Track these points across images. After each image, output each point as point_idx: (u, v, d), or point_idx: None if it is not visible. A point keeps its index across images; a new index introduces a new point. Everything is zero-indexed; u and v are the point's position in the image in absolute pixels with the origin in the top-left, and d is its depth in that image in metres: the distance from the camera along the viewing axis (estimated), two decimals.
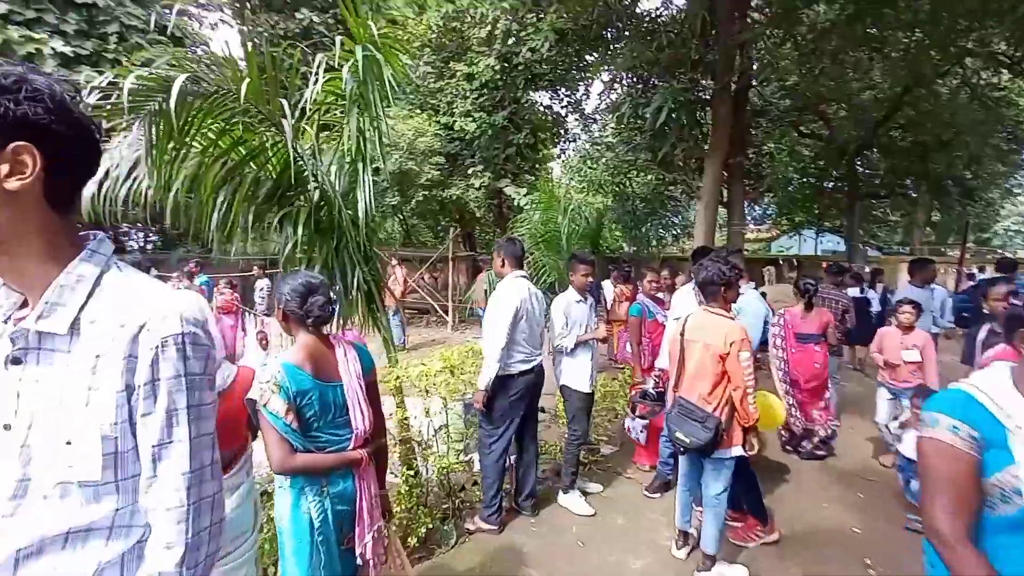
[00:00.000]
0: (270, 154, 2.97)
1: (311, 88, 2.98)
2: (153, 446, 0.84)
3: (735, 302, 2.92)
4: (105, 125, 2.38)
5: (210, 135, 2.71)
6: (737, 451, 2.68)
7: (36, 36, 9.90)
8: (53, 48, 10.06)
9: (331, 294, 1.81)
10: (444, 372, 3.38)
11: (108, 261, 0.89)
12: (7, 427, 0.82)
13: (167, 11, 11.67)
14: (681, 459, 3.03)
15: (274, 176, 3.01)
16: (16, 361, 0.83)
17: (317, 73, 2.96)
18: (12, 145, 0.76)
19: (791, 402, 4.19)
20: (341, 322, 3.32)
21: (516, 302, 3.11)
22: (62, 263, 0.84)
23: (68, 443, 0.80)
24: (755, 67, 7.66)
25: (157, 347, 0.83)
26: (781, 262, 13.73)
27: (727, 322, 2.70)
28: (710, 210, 8.08)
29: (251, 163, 2.96)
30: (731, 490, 2.79)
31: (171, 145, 2.42)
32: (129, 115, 2.15)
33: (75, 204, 0.89)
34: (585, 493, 3.67)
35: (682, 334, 2.85)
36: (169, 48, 8.79)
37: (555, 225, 5.88)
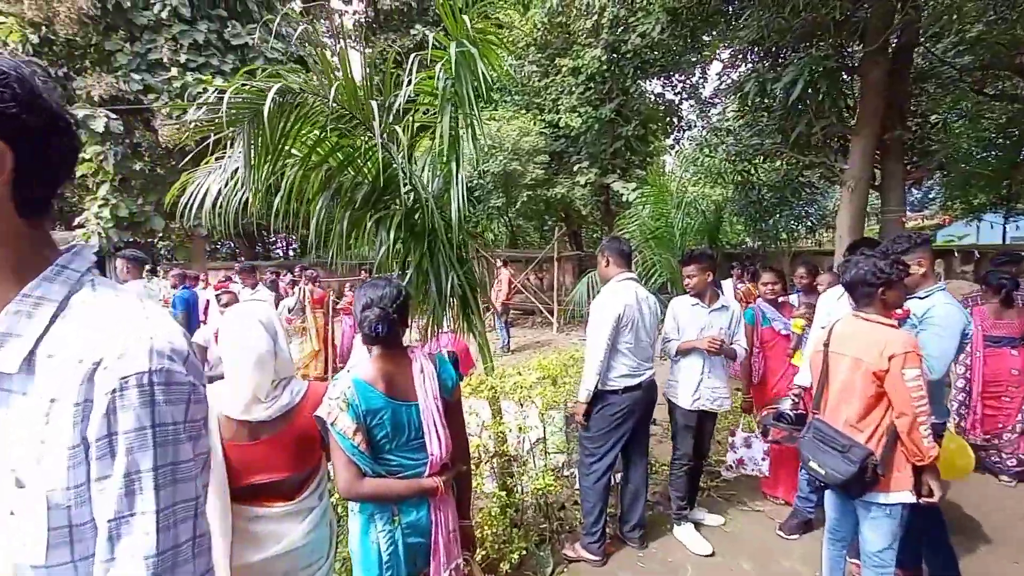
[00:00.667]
0: (365, 158, 2.97)
1: (404, 88, 2.92)
2: (109, 520, 0.65)
3: (899, 307, 2.27)
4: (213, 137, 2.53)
5: (308, 143, 2.76)
6: (903, 497, 2.06)
7: (204, 78, 11.62)
8: (216, 87, 11.71)
9: (390, 309, 1.63)
10: (542, 382, 3.13)
11: (81, 278, 0.72)
12: None
13: (299, 44, 13.02)
14: (827, 497, 2.43)
15: (369, 180, 3.00)
16: None
17: (410, 73, 2.90)
18: None
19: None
20: (434, 327, 3.24)
21: (619, 308, 2.76)
22: (26, 282, 0.68)
23: (11, 513, 0.65)
24: (923, 18, 6.30)
25: (114, 391, 0.65)
26: (956, 253, 11.38)
27: (887, 331, 2.09)
28: (859, 195, 6.84)
29: (348, 168, 2.98)
30: (904, 544, 2.16)
31: (269, 154, 2.48)
32: (229, 127, 2.22)
33: (48, 210, 0.73)
34: (702, 526, 3.18)
35: (826, 345, 2.29)
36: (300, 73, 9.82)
37: (667, 220, 5.35)
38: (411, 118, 3.26)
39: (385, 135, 2.86)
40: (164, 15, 11.17)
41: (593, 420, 2.84)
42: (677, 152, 15.92)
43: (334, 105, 2.42)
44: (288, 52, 12.79)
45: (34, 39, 10.92)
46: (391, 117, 2.96)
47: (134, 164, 12.14)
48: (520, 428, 2.92)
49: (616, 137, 11.75)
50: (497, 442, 2.95)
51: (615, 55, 10.88)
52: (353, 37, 17.21)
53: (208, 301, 6.76)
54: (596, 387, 2.75)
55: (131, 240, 12.49)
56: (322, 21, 17.36)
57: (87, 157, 11.47)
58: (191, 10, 11.43)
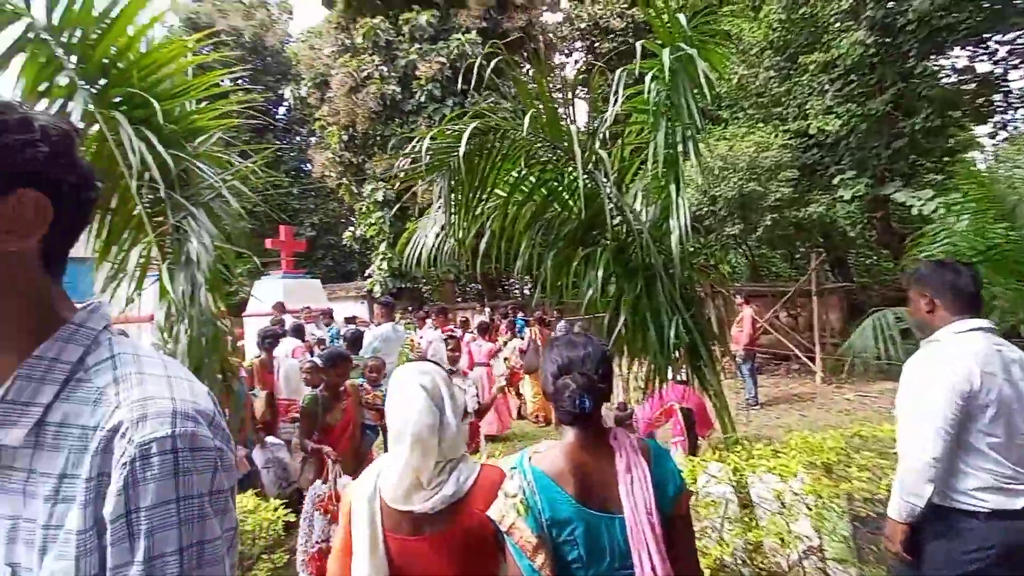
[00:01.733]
0: (569, 191, 2.67)
1: (611, 107, 2.56)
2: None
3: None
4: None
5: (510, 181, 2.61)
6: None
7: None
8: (418, 134, 13.71)
9: (595, 376, 1.19)
10: (811, 470, 2.23)
11: (98, 337, 0.66)
12: None
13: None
14: None
15: (575, 215, 2.69)
16: None
17: (616, 90, 2.53)
18: (12, 196, 0.59)
19: None
20: (655, 380, 2.67)
21: (967, 377, 1.67)
22: (34, 343, 0.62)
23: None
24: None
25: (133, 460, 0.57)
26: None
27: None
28: None
29: (553, 204, 2.73)
30: None
31: (471, 197, 2.38)
32: (429, 175, 2.19)
33: (65, 268, 0.68)
34: None
35: None
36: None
37: (1010, 234, 3.62)
38: (621, 142, 2.88)
39: (590, 163, 2.51)
40: (423, 99, 13.57)
41: (927, 557, 1.75)
42: (1010, 139, 11.50)
43: (530, 137, 2.20)
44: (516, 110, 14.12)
45: (344, 136, 14.52)
46: (596, 142, 2.61)
47: (403, 223, 14.85)
48: (782, 540, 2.06)
49: (894, 135, 9.21)
50: (748, 552, 2.16)
51: (885, 33, 8.64)
52: (569, 84, 18.10)
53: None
54: (930, 501, 1.72)
55: (402, 286, 15.16)
56: (551, 78, 18.74)
57: (372, 221, 14.49)
58: (440, 91, 13.61)
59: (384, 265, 14.66)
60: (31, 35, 2.11)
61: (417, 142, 2.13)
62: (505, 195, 2.64)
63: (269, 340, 4.50)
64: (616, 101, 2.54)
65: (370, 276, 15.18)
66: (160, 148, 2.12)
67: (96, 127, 2.17)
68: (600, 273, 2.46)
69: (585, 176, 2.32)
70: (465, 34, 13.96)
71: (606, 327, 2.67)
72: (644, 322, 2.54)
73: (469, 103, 14.05)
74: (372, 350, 4.88)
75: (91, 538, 0.57)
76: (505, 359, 7.30)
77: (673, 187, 2.46)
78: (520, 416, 7.47)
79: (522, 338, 7.61)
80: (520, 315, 11.45)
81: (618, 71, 2.50)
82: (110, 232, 2.31)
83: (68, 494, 0.58)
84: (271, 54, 21.19)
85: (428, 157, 2.07)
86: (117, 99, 2.24)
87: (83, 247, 2.32)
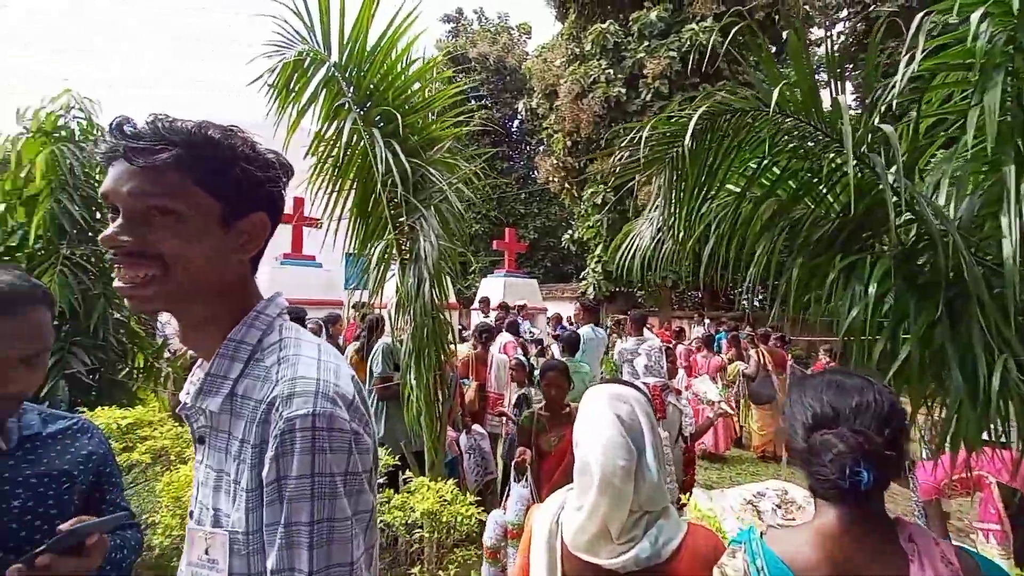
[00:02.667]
0: (829, 182, 2.09)
1: (900, 73, 1.93)
2: (272, 572, 0.63)
3: None
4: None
5: (746, 173, 2.17)
6: None
7: None
8: (633, 125, 12.78)
9: (878, 439, 0.80)
10: None
11: (272, 323, 0.76)
12: (190, 515, 0.75)
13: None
14: None
15: (835, 212, 2.10)
16: (200, 440, 0.75)
17: (912, 45, 1.89)
18: (253, 215, 0.74)
19: None
20: (960, 439, 1.93)
21: None
22: (231, 328, 0.74)
23: (206, 552, 0.68)
24: None
25: (282, 433, 0.64)
26: None
27: None
28: None
29: (804, 199, 2.18)
30: None
31: (695, 193, 2.04)
32: (647, 168, 1.95)
33: (258, 264, 0.81)
34: None
35: None
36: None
37: None
38: (917, 113, 2.15)
39: (864, 144, 1.93)
40: (648, 98, 13.10)
41: None
42: None
43: (777, 117, 1.76)
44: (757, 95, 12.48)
45: (568, 142, 15.07)
46: (875, 117, 1.99)
47: (620, 226, 14.65)
48: None
49: None
50: None
51: None
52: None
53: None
54: None
55: (615, 290, 15.01)
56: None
57: (590, 224, 14.68)
58: (668, 86, 12.91)
59: (598, 268, 14.73)
60: (329, 73, 2.61)
61: (636, 132, 1.91)
62: (738, 191, 2.22)
63: (485, 334, 4.77)
64: (912, 60, 1.88)
65: (584, 278, 15.45)
66: (403, 157, 2.39)
67: (354, 139, 2.56)
68: (873, 288, 1.84)
69: (856, 162, 1.76)
70: (699, 23, 12.99)
71: (873, 357, 2.01)
72: (943, 357, 1.82)
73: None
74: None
75: (256, 496, 0.65)
76: (726, 384, 6.46)
77: (1010, 170, 1.69)
78: (739, 443, 6.50)
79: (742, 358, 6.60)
80: (723, 328, 9.97)
81: (919, 16, 1.84)
82: (365, 232, 2.72)
83: (244, 456, 0.67)
84: (510, 72, 23.43)
85: (647, 149, 1.84)
86: (376, 117, 2.63)
87: (347, 241, 2.78)
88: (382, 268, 2.62)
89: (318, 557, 0.62)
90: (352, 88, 2.64)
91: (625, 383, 1.19)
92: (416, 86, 2.72)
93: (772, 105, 1.66)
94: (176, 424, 3.03)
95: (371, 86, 2.63)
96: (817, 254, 2.16)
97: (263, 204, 0.75)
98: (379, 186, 2.44)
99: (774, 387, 5.98)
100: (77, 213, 2.99)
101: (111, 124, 0.69)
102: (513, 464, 2.61)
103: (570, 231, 16.81)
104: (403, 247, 2.58)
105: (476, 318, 9.17)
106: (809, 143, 2.03)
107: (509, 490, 2.63)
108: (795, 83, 1.82)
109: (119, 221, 0.67)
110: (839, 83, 2.08)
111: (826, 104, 1.85)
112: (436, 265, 2.41)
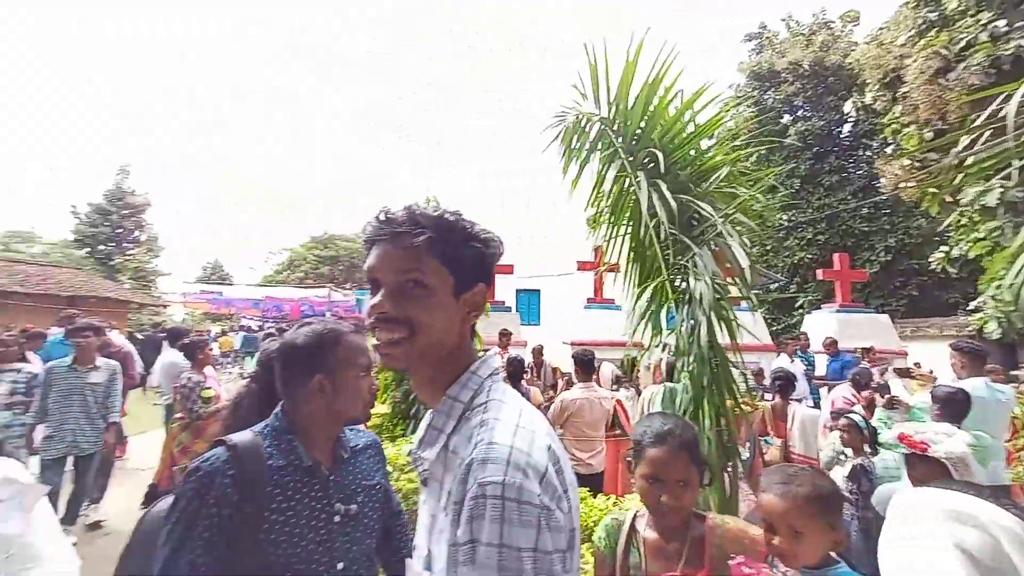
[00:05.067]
0: None
1: None
2: None
3: None
4: None
5: None
6: None
7: None
8: None
9: None
10: None
11: (483, 383, 0.82)
12: (412, 550, 0.83)
13: None
14: None
15: None
16: (424, 483, 0.82)
17: None
18: (477, 287, 0.84)
19: None
20: None
21: None
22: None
23: None
24: None
25: (476, 497, 0.66)
26: None
27: None
28: None
29: None
30: None
31: None
32: None
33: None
34: None
35: None
36: None
37: None
38: None
39: None
40: None
41: None
42: None
43: None
44: None
45: (927, 134, 11.52)
46: None
47: None
48: None
49: None
50: None
51: None
52: None
53: None
54: None
55: None
56: None
57: (979, 236, 10.62)
58: None
59: (1006, 295, 10.39)
60: (601, 128, 2.80)
61: None
62: None
63: (780, 382, 3.90)
64: None
65: (977, 310, 11.14)
66: (668, 196, 2.28)
67: (625, 184, 2.59)
68: None
69: None
70: None
71: None
72: None
73: None
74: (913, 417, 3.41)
75: (455, 551, 0.67)
76: None
77: None
78: None
79: None
80: None
81: None
82: (640, 275, 2.69)
83: (449, 510, 0.71)
84: (831, 72, 19.88)
85: None
86: (645, 159, 2.62)
87: (623, 290, 2.80)
88: (656, 310, 2.52)
89: None
90: (620, 137, 2.73)
91: (974, 490, 0.76)
92: (686, 118, 2.60)
93: None
94: None
95: (637, 131, 2.65)
96: None
97: (483, 276, 0.85)
98: (648, 227, 2.39)
99: None
100: None
101: (377, 214, 0.86)
102: None
103: (944, 247, 12.54)
104: (677, 288, 2.43)
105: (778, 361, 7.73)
106: None
107: None
108: None
109: (381, 292, 0.81)
110: None
111: None
112: (714, 306, 2.16)
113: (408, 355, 0.79)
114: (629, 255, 2.83)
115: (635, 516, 1.38)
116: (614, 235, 2.86)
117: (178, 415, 4.46)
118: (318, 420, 1.21)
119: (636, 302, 2.81)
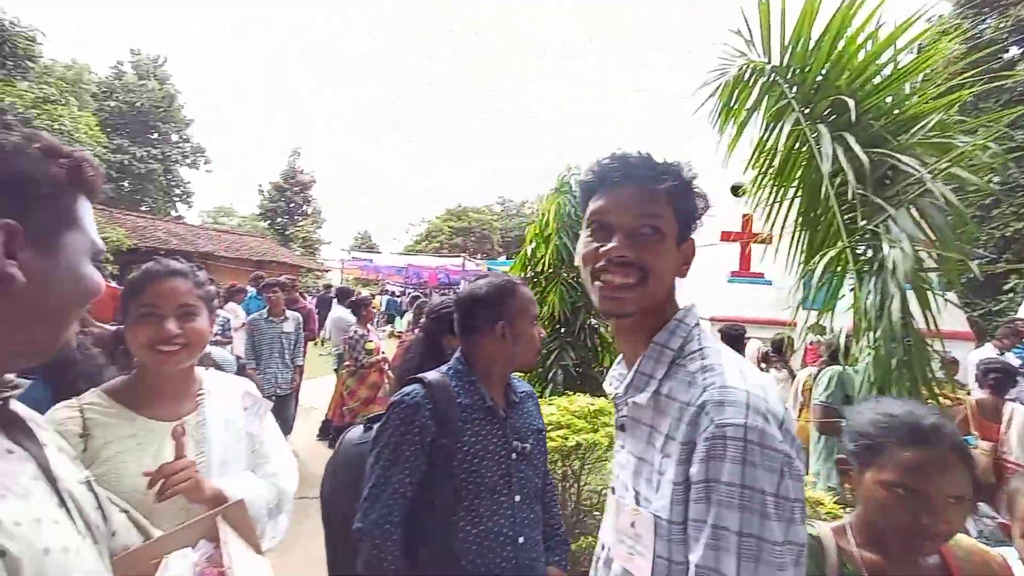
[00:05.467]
0: None
1: None
2: (697, 566, 0.66)
3: None
4: None
5: None
6: None
7: None
8: None
9: None
10: None
11: (690, 332, 0.83)
12: (611, 490, 0.88)
13: None
14: None
15: None
16: (622, 428, 0.87)
17: None
18: (690, 240, 0.87)
19: None
20: None
21: None
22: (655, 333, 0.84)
23: (632, 525, 0.77)
24: None
25: (713, 438, 0.67)
26: None
27: None
28: None
29: None
30: None
31: None
32: None
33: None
34: None
35: None
36: None
37: None
38: None
39: None
40: None
41: None
42: None
43: None
44: None
45: None
46: None
47: None
48: None
49: None
50: None
51: None
52: None
53: None
54: None
55: None
56: None
57: None
58: None
59: None
60: (769, 78, 2.53)
61: None
62: None
63: (996, 375, 3.19)
64: None
65: None
66: (857, 149, 1.98)
67: (797, 142, 2.31)
68: None
69: None
70: None
71: None
72: None
73: None
74: None
75: (682, 490, 0.70)
76: None
77: None
78: None
79: None
80: None
81: None
82: (810, 243, 2.40)
83: (668, 451, 0.74)
84: None
85: None
86: (825, 111, 2.30)
87: (791, 254, 2.54)
88: (833, 283, 2.24)
89: (744, 569, 0.62)
90: (795, 88, 2.42)
91: None
92: (883, 59, 2.22)
93: None
94: None
95: (817, 79, 2.33)
96: None
97: (693, 231, 0.87)
98: (827, 188, 2.11)
99: None
100: (570, 245, 4.03)
101: (615, 154, 0.84)
102: None
103: None
104: (860, 256, 2.12)
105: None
106: None
107: None
108: None
109: (616, 236, 0.80)
110: None
111: None
112: (912, 276, 1.85)
113: (638, 301, 0.81)
114: (798, 220, 2.54)
115: (833, 531, 1.04)
116: (779, 199, 2.59)
117: (346, 363, 5.15)
118: (498, 363, 1.33)
119: (803, 274, 2.55)
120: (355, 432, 1.53)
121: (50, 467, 0.62)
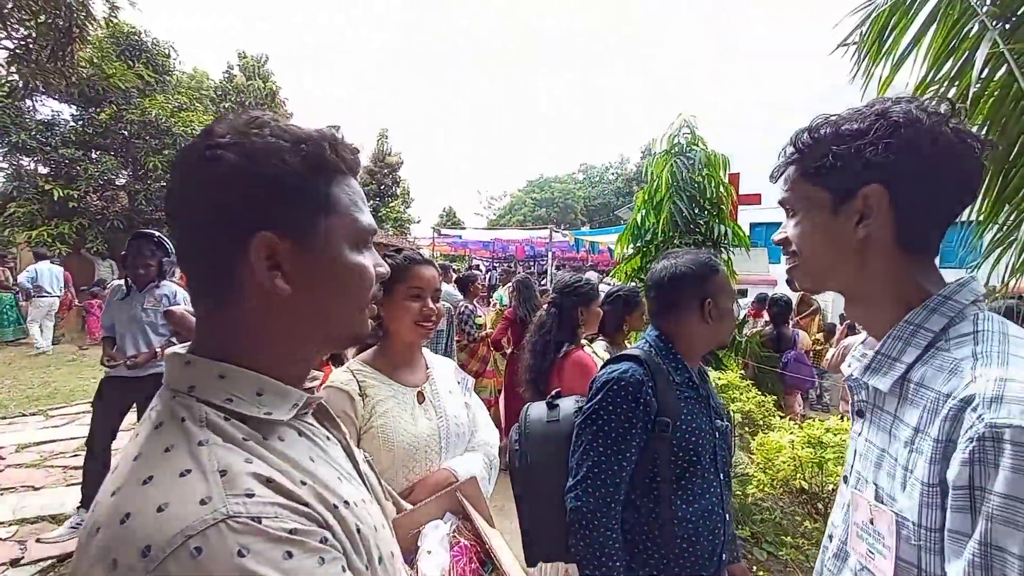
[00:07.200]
0: None
1: None
2: None
3: None
4: None
5: None
6: None
7: None
8: None
9: None
10: None
11: (963, 311, 0.68)
12: (844, 479, 0.81)
13: None
14: None
15: None
16: (860, 414, 0.78)
17: None
18: (864, 190, 0.72)
19: None
20: None
21: None
22: (905, 311, 0.72)
23: (870, 522, 0.70)
24: None
25: (981, 439, 0.56)
26: None
27: None
28: None
29: None
30: None
31: None
32: None
33: (931, 243, 0.74)
34: None
35: None
36: None
37: None
38: None
39: None
40: None
41: None
42: None
43: None
44: None
45: None
46: None
47: None
48: None
49: None
50: None
51: None
52: None
53: None
54: None
55: None
56: None
57: None
58: None
59: None
60: None
61: None
62: None
63: None
64: None
65: None
66: None
67: (1000, 72, 1.92)
68: None
69: None
70: None
71: None
72: None
73: None
74: None
75: (935, 493, 0.60)
76: None
77: None
78: None
79: None
80: None
81: None
82: (999, 191, 2.03)
83: (919, 447, 0.64)
84: None
85: None
86: None
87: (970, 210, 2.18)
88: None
89: None
90: (985, 5, 2.01)
91: None
92: None
93: None
94: (758, 392, 3.32)
95: None
96: None
97: (875, 176, 0.71)
98: None
99: None
100: (685, 210, 3.79)
101: (794, 137, 0.80)
102: None
103: None
104: None
105: None
106: None
107: None
108: None
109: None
110: None
111: None
112: None
113: (799, 277, 0.82)
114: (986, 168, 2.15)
115: None
116: None
117: (455, 338, 5.33)
118: (702, 340, 1.29)
119: (983, 230, 2.19)
120: (539, 410, 1.50)
121: (353, 451, 0.69)
